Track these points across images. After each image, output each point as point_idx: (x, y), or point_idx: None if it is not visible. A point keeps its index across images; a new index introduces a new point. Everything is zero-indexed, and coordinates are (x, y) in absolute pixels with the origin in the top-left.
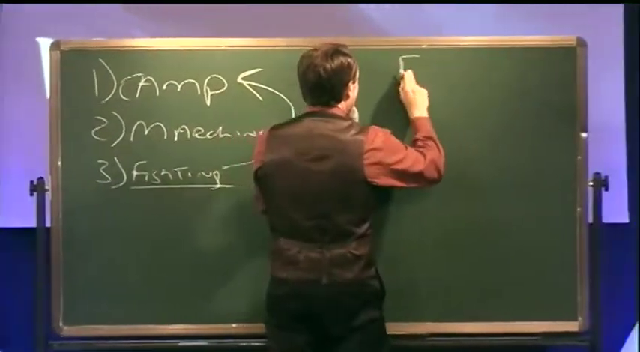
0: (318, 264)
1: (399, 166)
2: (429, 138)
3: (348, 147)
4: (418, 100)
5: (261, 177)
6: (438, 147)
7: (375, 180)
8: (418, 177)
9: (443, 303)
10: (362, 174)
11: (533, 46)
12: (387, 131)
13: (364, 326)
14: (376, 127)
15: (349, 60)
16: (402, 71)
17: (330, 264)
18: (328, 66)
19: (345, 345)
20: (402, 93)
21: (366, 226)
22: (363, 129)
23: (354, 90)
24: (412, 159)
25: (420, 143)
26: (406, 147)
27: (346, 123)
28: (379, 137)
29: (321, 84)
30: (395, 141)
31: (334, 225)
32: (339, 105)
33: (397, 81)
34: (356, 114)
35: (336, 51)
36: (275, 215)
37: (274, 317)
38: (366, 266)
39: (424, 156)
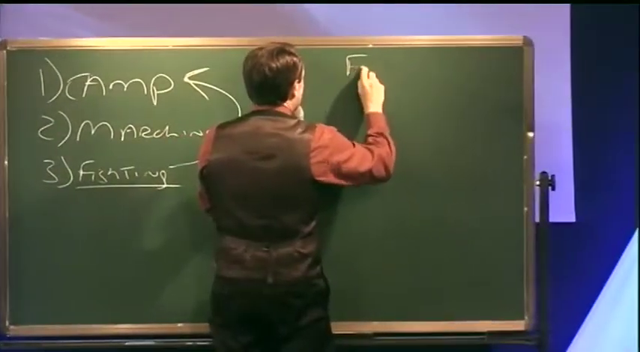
0: (264, 263)
1: (346, 165)
2: (381, 134)
3: (295, 146)
4: (374, 95)
5: (206, 175)
6: (389, 144)
7: (322, 179)
8: (365, 175)
9: (389, 302)
10: (309, 173)
11: (480, 45)
12: (333, 128)
13: (310, 326)
14: (322, 125)
15: (294, 59)
16: (362, 66)
17: (276, 263)
18: (273, 65)
19: (291, 344)
20: (359, 86)
21: (312, 224)
22: (309, 127)
23: (299, 89)
24: (359, 158)
25: (370, 139)
26: (354, 145)
27: (293, 122)
28: (325, 135)
29: (267, 83)
30: (341, 138)
31: (281, 224)
32: (285, 104)
33: (357, 74)
34: (301, 114)
35: (282, 50)
36: (221, 213)
37: (219, 317)
38: (313, 264)
39: (372, 153)
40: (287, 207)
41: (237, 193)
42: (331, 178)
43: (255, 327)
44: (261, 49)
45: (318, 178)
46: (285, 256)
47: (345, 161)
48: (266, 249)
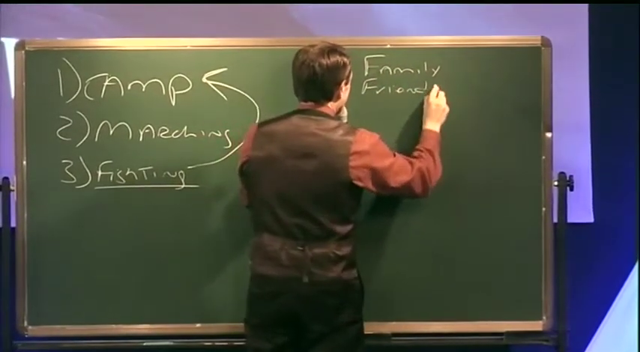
0: (299, 262)
1: (384, 174)
2: (429, 151)
3: (335, 147)
4: (437, 114)
5: (246, 172)
6: (434, 161)
7: (359, 183)
8: (402, 187)
9: (407, 303)
10: (346, 176)
11: (498, 45)
12: (377, 135)
13: (343, 328)
14: (365, 130)
15: (345, 59)
16: (435, 85)
17: (311, 263)
18: (324, 62)
19: (324, 345)
20: (425, 102)
21: (349, 227)
22: (351, 130)
23: (345, 91)
24: (398, 168)
25: (416, 153)
26: (394, 155)
27: (335, 123)
28: (367, 140)
29: (314, 80)
30: (383, 146)
31: (317, 224)
32: (329, 105)
33: (427, 91)
34: (345, 114)
35: (333, 49)
36: (259, 210)
37: (254, 317)
38: (348, 266)
39: (412, 166)
40: (323, 207)
41: (275, 191)
42: (368, 184)
43: (290, 328)
44: (313, 46)
45: (355, 182)
46: (320, 256)
47: (384, 169)
48: (301, 249)
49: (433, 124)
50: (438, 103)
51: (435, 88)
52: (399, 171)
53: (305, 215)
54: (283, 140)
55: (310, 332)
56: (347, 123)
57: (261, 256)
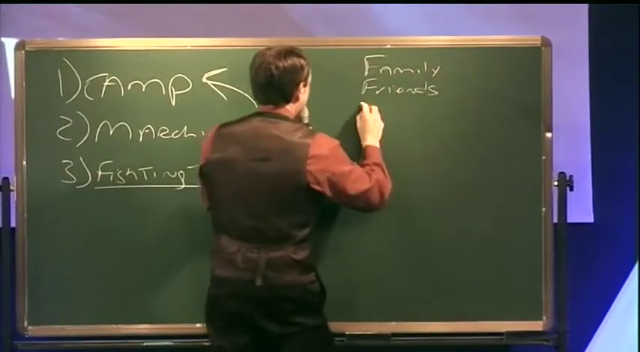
0: (254, 265)
1: (342, 180)
2: (377, 164)
3: (293, 150)
4: (375, 129)
5: (205, 174)
6: (384, 174)
7: (316, 187)
8: (360, 197)
9: (407, 303)
10: (304, 179)
11: (498, 45)
12: (336, 141)
13: (304, 332)
14: (324, 134)
15: (302, 61)
16: (363, 103)
17: (266, 266)
18: (280, 64)
19: (285, 349)
20: (359, 120)
21: (306, 231)
22: (310, 133)
23: (304, 93)
24: (356, 176)
25: (367, 168)
26: (352, 163)
27: (294, 126)
28: (326, 145)
29: (272, 82)
30: (342, 153)
31: (273, 227)
32: (288, 107)
33: (359, 108)
34: (306, 113)
35: (290, 51)
36: (217, 212)
37: (213, 318)
38: (305, 270)
39: (370, 176)
40: (280, 210)
41: (232, 193)
42: (326, 189)
43: (247, 329)
44: (269, 48)
45: (312, 186)
46: (275, 260)
47: (343, 175)
48: (256, 251)
49: (373, 140)
50: (374, 119)
51: (366, 105)
52: (358, 179)
53: (261, 218)
54: (243, 142)
55: (268, 336)
56: (307, 124)
57: (219, 258)
